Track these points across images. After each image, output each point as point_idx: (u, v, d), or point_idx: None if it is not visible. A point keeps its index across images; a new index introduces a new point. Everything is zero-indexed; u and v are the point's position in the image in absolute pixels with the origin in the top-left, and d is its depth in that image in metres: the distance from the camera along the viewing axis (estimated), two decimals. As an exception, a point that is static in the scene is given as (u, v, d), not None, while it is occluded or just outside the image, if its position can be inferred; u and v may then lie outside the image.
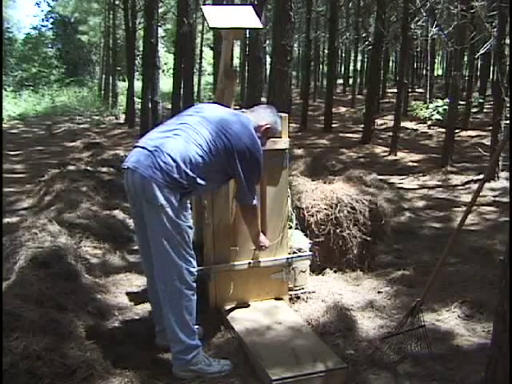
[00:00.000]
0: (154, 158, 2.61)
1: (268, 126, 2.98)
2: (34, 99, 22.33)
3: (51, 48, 30.81)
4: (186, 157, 2.63)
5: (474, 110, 14.69)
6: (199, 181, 2.69)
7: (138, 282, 3.95)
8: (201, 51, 24.20)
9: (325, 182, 4.57)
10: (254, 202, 2.97)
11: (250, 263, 3.38)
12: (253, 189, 2.92)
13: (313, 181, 4.65)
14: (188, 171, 2.63)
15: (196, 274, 2.80)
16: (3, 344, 2.46)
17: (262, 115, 3.00)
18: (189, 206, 2.76)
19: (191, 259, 2.75)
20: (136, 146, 2.76)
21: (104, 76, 23.15)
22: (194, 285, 2.77)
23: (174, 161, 2.61)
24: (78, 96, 23.20)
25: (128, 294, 3.78)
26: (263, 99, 10.74)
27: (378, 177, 7.12)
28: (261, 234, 3.22)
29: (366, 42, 17.49)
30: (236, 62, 21.63)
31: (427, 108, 13.75)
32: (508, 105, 7.36)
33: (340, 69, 30.83)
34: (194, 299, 2.77)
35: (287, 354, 2.81)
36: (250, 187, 2.88)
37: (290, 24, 7.17)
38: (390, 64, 29.36)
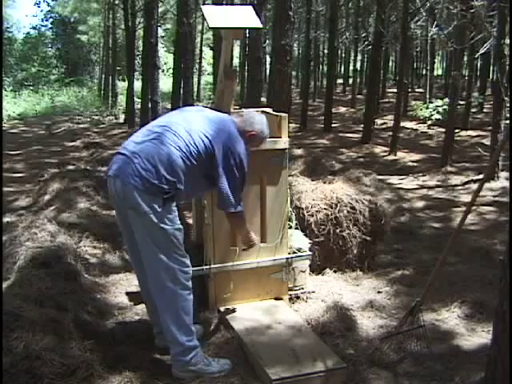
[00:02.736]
0: (134, 165, 2.60)
1: (254, 133, 2.94)
2: (34, 99, 22.33)
3: (51, 48, 30.78)
4: (165, 161, 2.61)
5: (474, 109, 14.68)
6: (179, 185, 2.66)
7: (137, 282, 3.94)
8: (201, 51, 24.19)
9: (325, 182, 4.57)
10: (239, 208, 2.82)
11: (249, 263, 3.38)
12: (237, 194, 2.79)
13: (313, 181, 4.65)
14: (167, 176, 2.61)
15: (190, 273, 2.77)
16: (3, 344, 2.46)
17: (250, 121, 2.94)
18: (175, 208, 2.71)
19: (183, 259, 2.72)
20: (117, 153, 2.74)
21: (104, 76, 23.14)
22: (190, 284, 2.75)
23: (154, 166, 2.59)
24: (78, 96, 23.20)
25: (128, 293, 3.77)
26: (263, 99, 10.75)
27: (378, 177, 7.14)
28: (250, 232, 3.06)
29: (366, 42, 17.50)
30: (236, 61, 21.63)
31: (427, 108, 13.75)
32: (508, 105, 7.36)
33: (340, 69, 30.81)
34: (190, 299, 2.75)
35: (287, 353, 2.81)
36: (233, 192, 2.76)
37: (289, 24, 7.16)
38: (390, 64, 29.36)
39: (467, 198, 6.71)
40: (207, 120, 2.82)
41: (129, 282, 3.97)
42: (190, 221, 4.54)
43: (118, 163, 2.68)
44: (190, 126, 2.74)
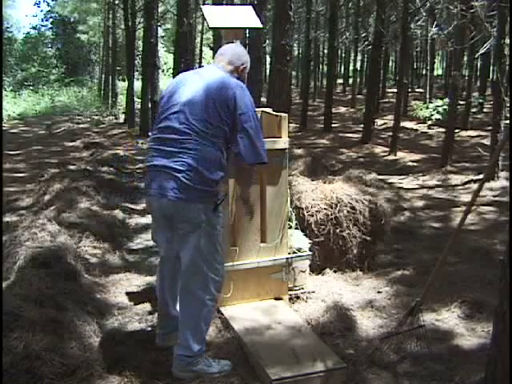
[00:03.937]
0: (178, 180, 2.55)
1: (244, 65, 2.88)
2: (34, 99, 22.35)
3: (51, 48, 30.78)
4: (205, 163, 2.57)
5: (474, 109, 14.69)
6: (224, 176, 2.69)
7: (137, 282, 3.95)
8: (201, 51, 24.20)
9: (325, 182, 4.57)
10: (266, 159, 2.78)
11: (249, 263, 3.38)
12: (262, 142, 2.75)
13: (313, 181, 4.64)
14: (212, 176, 2.59)
15: (222, 281, 2.81)
16: (3, 344, 2.46)
17: (236, 56, 2.86)
18: (221, 208, 2.74)
19: (219, 267, 2.75)
20: (150, 170, 2.66)
21: (104, 76, 23.15)
22: (218, 294, 2.78)
23: (196, 173, 2.55)
24: (78, 96, 23.21)
25: (128, 293, 3.77)
26: (263, 99, 10.75)
27: (378, 177, 7.13)
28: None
29: (366, 42, 17.51)
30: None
31: (427, 108, 13.76)
32: (508, 105, 7.36)
33: (340, 69, 30.83)
34: (213, 311, 2.79)
35: (287, 353, 2.81)
36: (260, 140, 2.74)
37: (289, 24, 7.19)
38: (390, 64, 29.38)
39: (467, 198, 6.71)
40: (208, 86, 2.67)
41: (129, 282, 3.97)
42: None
43: (158, 181, 2.61)
44: (203, 109, 2.62)
